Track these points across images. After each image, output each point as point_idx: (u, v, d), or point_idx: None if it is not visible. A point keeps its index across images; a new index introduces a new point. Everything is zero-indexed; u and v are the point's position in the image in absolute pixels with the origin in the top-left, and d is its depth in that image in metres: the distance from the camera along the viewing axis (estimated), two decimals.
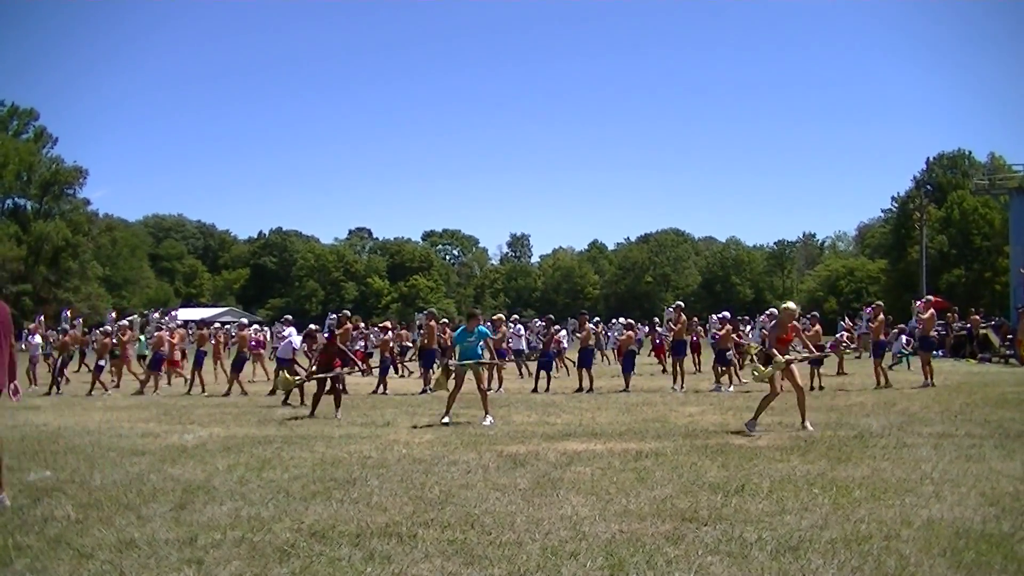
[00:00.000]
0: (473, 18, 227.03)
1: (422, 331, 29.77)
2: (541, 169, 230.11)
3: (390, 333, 29.72)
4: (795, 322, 17.44)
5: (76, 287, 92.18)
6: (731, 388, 25.51)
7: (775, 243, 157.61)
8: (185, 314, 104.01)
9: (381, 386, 26.98)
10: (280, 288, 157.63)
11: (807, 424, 16.23)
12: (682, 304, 28.81)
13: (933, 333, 28.00)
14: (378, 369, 27.73)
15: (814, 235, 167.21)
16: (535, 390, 26.16)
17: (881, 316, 27.36)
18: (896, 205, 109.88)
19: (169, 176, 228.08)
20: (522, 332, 34.51)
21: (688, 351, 29.41)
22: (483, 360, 19.35)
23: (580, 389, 25.94)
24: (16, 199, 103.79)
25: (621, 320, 32.14)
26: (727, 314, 28.99)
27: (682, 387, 25.60)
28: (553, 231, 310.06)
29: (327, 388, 20.82)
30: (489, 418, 18.20)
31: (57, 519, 9.22)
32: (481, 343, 19.12)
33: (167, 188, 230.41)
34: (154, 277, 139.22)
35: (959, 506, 9.28)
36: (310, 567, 7.39)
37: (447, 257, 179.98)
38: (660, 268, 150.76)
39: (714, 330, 30.95)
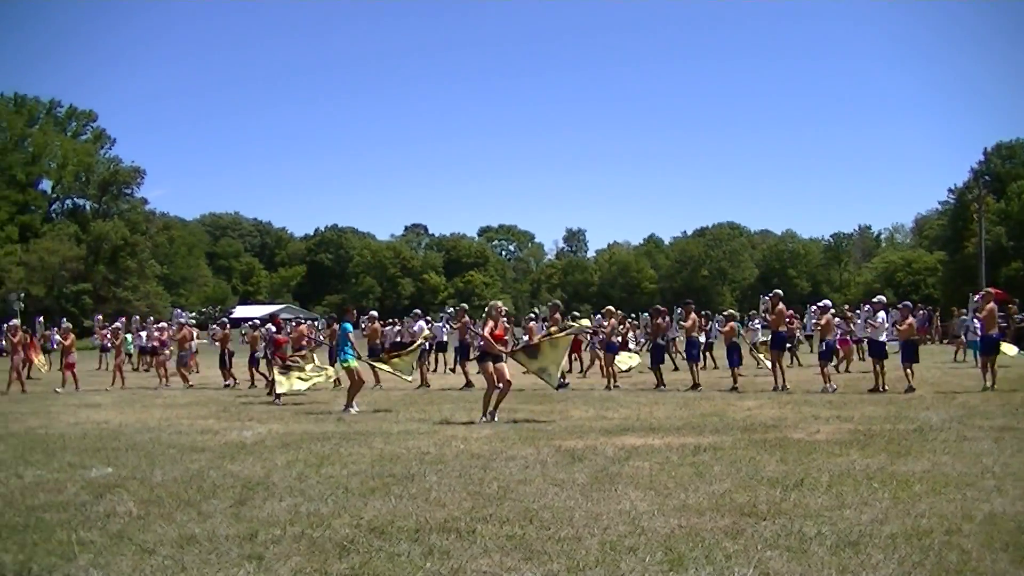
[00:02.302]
0: (528, 18, 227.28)
1: (547, 323, 29.45)
2: (597, 164, 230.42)
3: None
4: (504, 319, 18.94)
5: (135, 286, 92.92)
6: (833, 386, 23.32)
7: (831, 236, 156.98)
8: (243, 311, 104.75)
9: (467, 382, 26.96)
10: (336, 285, 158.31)
11: (495, 416, 17.61)
12: (780, 293, 26.25)
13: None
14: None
15: (870, 227, 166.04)
16: (659, 386, 25.14)
17: (991, 304, 23.52)
18: (953, 196, 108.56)
19: (225, 175, 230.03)
20: (424, 329, 33.22)
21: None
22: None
23: (696, 386, 24.59)
24: (75, 199, 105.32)
25: (724, 312, 30.57)
26: (828, 303, 26.28)
27: (783, 386, 23.50)
28: (609, 225, 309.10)
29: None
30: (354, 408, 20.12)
31: (119, 515, 9.27)
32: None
33: (223, 187, 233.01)
34: (211, 275, 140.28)
35: (1021, 500, 9.19)
36: (369, 563, 7.38)
37: (503, 252, 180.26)
38: (716, 262, 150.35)
39: (814, 320, 29.55)
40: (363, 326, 29.33)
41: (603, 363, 27.29)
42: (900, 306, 24.76)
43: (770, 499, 9.42)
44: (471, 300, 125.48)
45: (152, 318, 45.64)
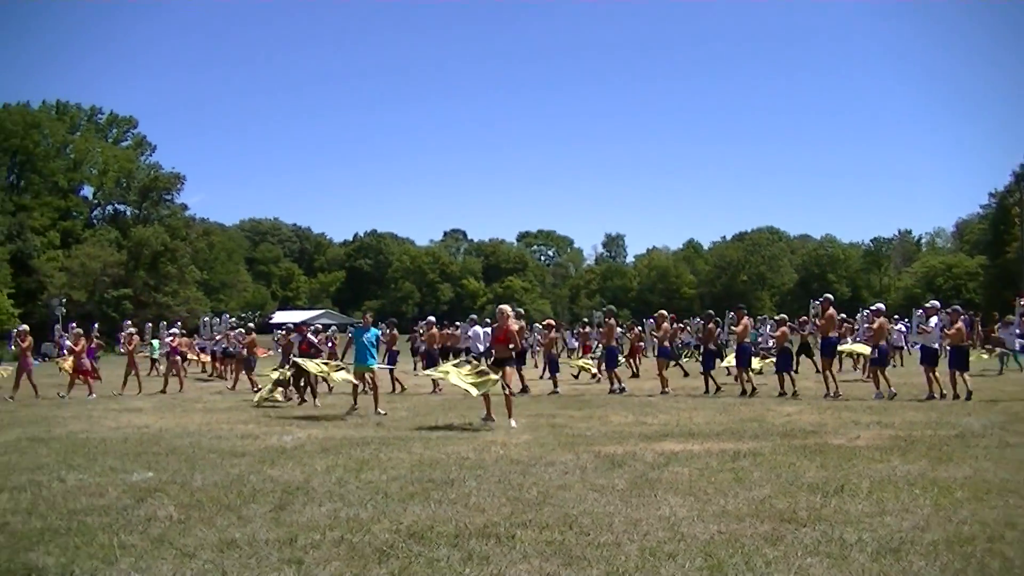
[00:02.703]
0: (566, 25, 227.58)
1: (602, 329, 29.38)
2: (636, 169, 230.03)
3: (555, 332, 29.20)
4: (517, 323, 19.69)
5: (175, 291, 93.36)
6: (892, 390, 22.47)
7: (871, 240, 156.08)
8: (282, 317, 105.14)
9: (554, 387, 26.73)
10: (376, 290, 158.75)
11: (512, 422, 17.64)
12: (831, 297, 25.47)
13: None
14: (547, 369, 27.74)
15: (911, 231, 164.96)
16: (707, 391, 24.96)
17: None
18: (995, 200, 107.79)
19: (265, 181, 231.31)
20: (479, 334, 32.46)
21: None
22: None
23: (744, 392, 24.09)
24: (116, 205, 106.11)
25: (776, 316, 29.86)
26: (881, 306, 25.38)
27: (836, 392, 22.85)
28: (648, 231, 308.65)
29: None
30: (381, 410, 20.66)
31: (160, 519, 9.33)
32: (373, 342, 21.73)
33: (263, 192, 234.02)
34: (251, 280, 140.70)
35: None
36: (408, 568, 7.41)
37: (542, 258, 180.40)
38: (755, 267, 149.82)
39: (866, 324, 28.70)
40: (420, 332, 29.50)
41: (657, 368, 26.83)
42: (949, 310, 23.39)
43: (810, 505, 9.40)
44: (510, 305, 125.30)
45: (178, 323, 45.74)
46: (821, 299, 25.58)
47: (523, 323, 28.21)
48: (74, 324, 43.43)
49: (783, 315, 27.38)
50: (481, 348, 30.55)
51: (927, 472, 11.24)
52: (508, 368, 18.81)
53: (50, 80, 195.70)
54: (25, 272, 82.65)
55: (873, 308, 25.20)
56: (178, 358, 30.35)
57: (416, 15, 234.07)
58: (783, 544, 7.85)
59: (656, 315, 27.99)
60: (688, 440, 14.94)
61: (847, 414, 18.46)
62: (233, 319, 46.94)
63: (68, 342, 32.11)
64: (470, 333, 30.27)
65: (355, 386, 21.56)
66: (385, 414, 20.06)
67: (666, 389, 25.42)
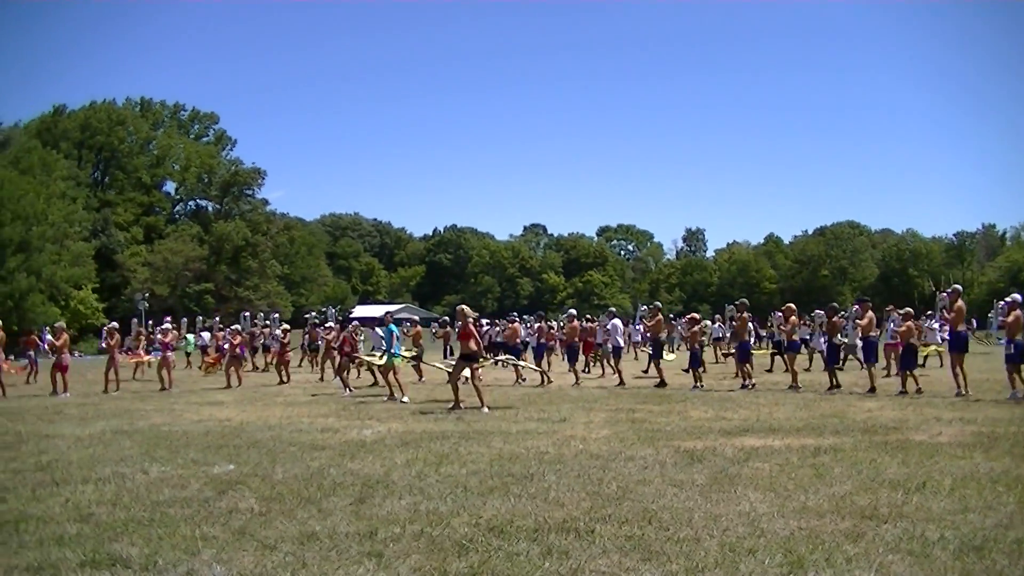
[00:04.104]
0: (643, 21, 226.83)
1: (735, 323, 29.31)
2: (716, 163, 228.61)
3: (697, 327, 28.99)
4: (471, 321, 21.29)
5: (256, 285, 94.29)
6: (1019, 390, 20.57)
7: (954, 234, 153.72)
8: (362, 311, 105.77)
9: (697, 381, 26.25)
10: (455, 285, 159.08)
11: (484, 409, 19.67)
12: (959, 288, 23.39)
13: None
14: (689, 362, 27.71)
15: (994, 225, 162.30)
16: (832, 387, 23.95)
17: None
18: None
19: (345, 176, 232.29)
20: (619, 327, 31.44)
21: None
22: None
23: (872, 389, 22.91)
24: (198, 200, 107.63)
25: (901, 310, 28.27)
26: (1018, 297, 22.06)
27: (965, 389, 21.53)
28: (728, 225, 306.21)
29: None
30: (406, 396, 22.96)
31: (241, 511, 9.44)
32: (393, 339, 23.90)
33: (343, 187, 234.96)
34: (331, 275, 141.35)
35: None
36: (488, 561, 7.43)
37: (622, 252, 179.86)
38: (837, 261, 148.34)
39: (1001, 317, 26.65)
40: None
41: (785, 362, 26.63)
42: None
43: (891, 502, 9.32)
44: (590, 300, 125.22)
45: (168, 318, 45.68)
46: (949, 290, 23.59)
47: (660, 317, 28.59)
48: (133, 320, 44.10)
49: (908, 309, 25.80)
50: (621, 341, 30.43)
51: (1011, 469, 11.11)
52: (473, 363, 21.53)
53: (135, 77, 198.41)
54: (110, 267, 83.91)
55: (1008, 300, 22.57)
56: (170, 355, 30.28)
57: (490, 10, 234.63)
58: (864, 541, 7.80)
59: (784, 308, 27.46)
60: (768, 435, 14.86)
61: (929, 410, 18.24)
62: (326, 313, 47.49)
63: (49, 337, 32.35)
64: (609, 326, 30.31)
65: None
66: (404, 400, 22.40)
67: (794, 384, 24.86)
